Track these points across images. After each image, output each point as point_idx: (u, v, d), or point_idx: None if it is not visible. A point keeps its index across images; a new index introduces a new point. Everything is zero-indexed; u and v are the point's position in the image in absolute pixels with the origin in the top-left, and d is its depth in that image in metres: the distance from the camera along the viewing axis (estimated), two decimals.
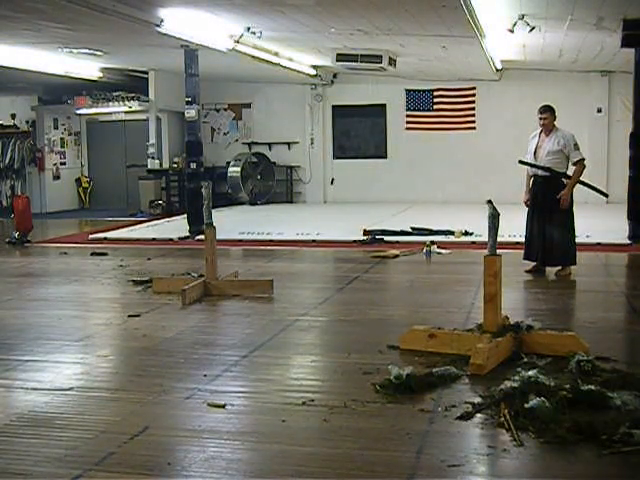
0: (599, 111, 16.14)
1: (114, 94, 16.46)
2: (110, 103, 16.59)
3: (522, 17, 9.38)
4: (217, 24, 10.06)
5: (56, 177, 17.79)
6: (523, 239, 8.15)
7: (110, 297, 7.50)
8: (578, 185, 7.93)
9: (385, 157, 17.50)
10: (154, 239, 11.67)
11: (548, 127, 7.79)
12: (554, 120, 7.83)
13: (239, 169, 16.65)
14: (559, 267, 7.94)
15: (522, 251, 8.06)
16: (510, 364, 4.59)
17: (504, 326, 4.96)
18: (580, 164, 7.80)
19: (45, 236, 12.54)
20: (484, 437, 3.58)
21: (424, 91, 16.98)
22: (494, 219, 4.94)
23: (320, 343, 5.59)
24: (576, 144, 7.78)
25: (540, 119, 7.82)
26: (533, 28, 9.83)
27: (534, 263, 8.00)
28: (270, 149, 17.89)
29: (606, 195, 8.26)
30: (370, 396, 4.11)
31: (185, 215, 12.68)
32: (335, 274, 8.90)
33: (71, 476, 3.19)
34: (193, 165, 12.23)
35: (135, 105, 16.48)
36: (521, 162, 8.01)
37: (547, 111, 7.80)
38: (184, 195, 14.44)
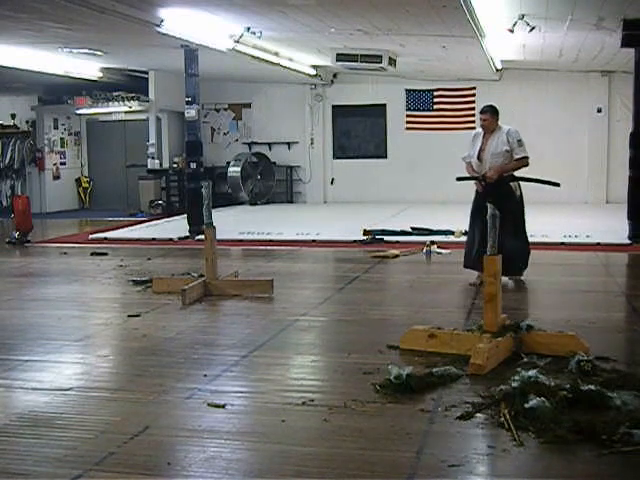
0: (599, 111, 16.13)
1: (114, 94, 16.46)
2: (110, 103, 16.59)
3: (522, 17, 9.38)
4: (217, 24, 10.07)
5: (56, 177, 17.78)
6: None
7: (110, 297, 7.49)
8: (529, 183, 7.37)
9: (385, 157, 17.49)
10: (154, 239, 11.65)
11: (489, 129, 7.37)
12: (496, 121, 7.36)
13: (239, 169, 16.64)
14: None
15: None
16: (510, 364, 4.58)
17: (504, 326, 4.96)
18: (522, 161, 7.26)
19: (45, 236, 12.54)
20: (484, 437, 3.58)
21: (424, 91, 16.97)
22: (494, 219, 4.94)
23: (320, 343, 5.59)
24: (520, 140, 7.27)
25: (480, 120, 7.42)
26: (533, 28, 9.83)
27: (477, 273, 7.18)
28: (270, 149, 17.87)
29: (557, 185, 7.66)
30: (370, 396, 4.11)
31: (185, 215, 12.67)
32: (335, 274, 8.90)
33: (71, 476, 3.18)
34: (193, 165, 12.22)
35: (135, 105, 16.48)
36: (459, 179, 7.66)
37: (487, 112, 7.34)
38: (184, 195, 14.43)
